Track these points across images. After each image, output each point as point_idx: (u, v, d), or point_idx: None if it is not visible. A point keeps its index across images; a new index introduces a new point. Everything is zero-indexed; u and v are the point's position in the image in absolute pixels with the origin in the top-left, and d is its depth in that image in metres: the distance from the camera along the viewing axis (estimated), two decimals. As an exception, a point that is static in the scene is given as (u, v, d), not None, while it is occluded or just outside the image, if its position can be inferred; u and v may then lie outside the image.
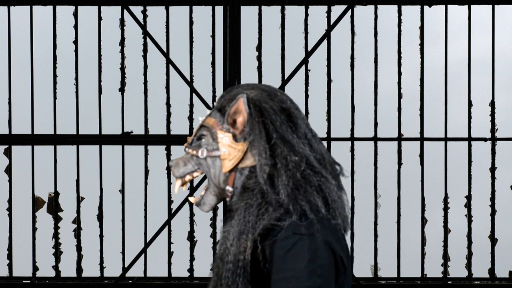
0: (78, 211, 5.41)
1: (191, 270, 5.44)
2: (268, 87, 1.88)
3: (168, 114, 5.41)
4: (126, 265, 5.40)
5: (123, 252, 5.41)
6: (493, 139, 5.41)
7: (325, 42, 5.39)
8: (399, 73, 5.41)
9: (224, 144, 1.87)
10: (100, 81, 5.39)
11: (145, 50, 5.42)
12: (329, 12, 5.41)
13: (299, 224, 1.66)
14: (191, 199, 1.97)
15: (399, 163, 5.42)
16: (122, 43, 5.41)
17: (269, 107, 1.82)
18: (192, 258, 5.44)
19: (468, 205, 5.42)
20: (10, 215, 5.40)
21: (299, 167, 1.76)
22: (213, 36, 5.39)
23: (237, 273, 1.69)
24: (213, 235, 5.44)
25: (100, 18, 5.40)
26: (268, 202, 1.74)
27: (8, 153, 5.44)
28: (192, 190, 5.30)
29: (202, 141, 1.92)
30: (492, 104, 5.42)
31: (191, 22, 5.42)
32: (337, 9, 5.39)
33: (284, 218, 1.68)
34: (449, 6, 5.41)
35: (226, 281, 1.72)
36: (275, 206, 1.72)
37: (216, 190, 1.92)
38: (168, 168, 5.38)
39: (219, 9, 5.37)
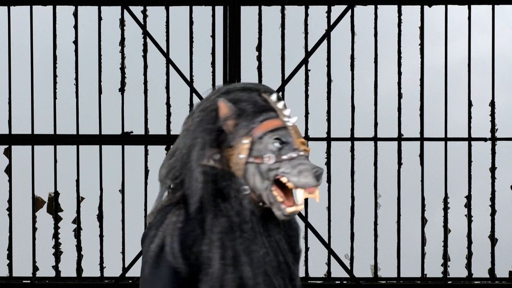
0: (78, 211, 5.41)
1: (191, 270, 5.42)
2: None
3: (168, 114, 5.41)
4: (126, 265, 5.40)
5: (123, 252, 5.41)
6: (493, 139, 5.41)
7: (325, 42, 5.39)
8: (399, 73, 5.41)
9: None
10: (100, 81, 5.39)
11: (145, 50, 5.42)
12: (329, 12, 5.41)
13: None
14: (300, 207, 1.82)
15: (399, 163, 5.41)
16: (122, 43, 5.41)
17: None
18: (192, 258, 5.43)
19: (468, 205, 5.42)
20: (10, 215, 5.40)
21: None
22: (213, 36, 5.39)
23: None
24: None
25: (100, 18, 5.40)
26: None
27: (8, 153, 5.44)
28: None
29: None
30: (492, 104, 5.42)
31: (191, 22, 5.42)
32: (337, 9, 5.39)
33: None
34: (449, 6, 5.41)
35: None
36: None
37: None
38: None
39: (219, 9, 5.37)
